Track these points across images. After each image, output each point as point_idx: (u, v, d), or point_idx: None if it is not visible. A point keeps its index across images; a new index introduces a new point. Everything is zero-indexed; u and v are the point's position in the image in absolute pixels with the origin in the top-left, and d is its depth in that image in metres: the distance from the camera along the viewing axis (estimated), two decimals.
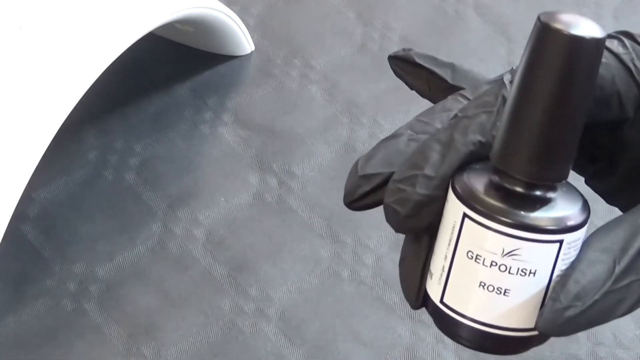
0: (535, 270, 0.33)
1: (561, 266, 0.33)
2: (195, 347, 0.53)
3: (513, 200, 0.33)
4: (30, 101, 0.52)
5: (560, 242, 0.33)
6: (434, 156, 0.34)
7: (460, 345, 0.36)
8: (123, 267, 0.56)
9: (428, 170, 0.34)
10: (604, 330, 0.54)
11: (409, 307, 0.54)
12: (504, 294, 0.33)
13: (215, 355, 0.52)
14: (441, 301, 0.35)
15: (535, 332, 0.33)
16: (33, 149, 0.51)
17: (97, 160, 0.61)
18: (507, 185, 0.33)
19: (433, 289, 0.35)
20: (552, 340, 0.54)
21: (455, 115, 0.35)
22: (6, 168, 0.51)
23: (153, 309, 0.54)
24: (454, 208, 0.34)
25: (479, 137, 0.34)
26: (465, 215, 0.33)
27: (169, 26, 0.61)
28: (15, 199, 0.50)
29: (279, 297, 0.55)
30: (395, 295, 0.55)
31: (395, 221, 0.35)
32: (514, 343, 0.34)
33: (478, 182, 0.33)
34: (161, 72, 0.66)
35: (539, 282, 0.33)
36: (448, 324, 0.35)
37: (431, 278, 0.36)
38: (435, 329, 0.53)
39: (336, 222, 0.58)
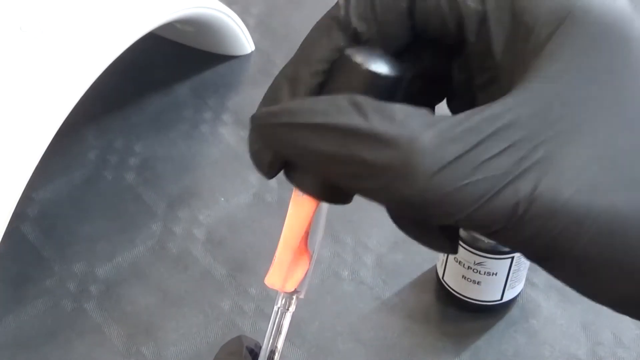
0: (497, 273, 0.51)
1: (515, 267, 0.51)
2: (195, 347, 0.53)
3: None
4: (30, 101, 0.52)
5: (512, 257, 0.50)
6: (284, 95, 0.33)
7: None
8: (123, 267, 0.56)
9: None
10: (604, 330, 0.54)
11: (408, 307, 0.54)
12: (477, 284, 0.52)
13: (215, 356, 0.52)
14: (442, 278, 0.54)
15: (493, 302, 0.53)
16: (33, 149, 0.51)
17: (97, 160, 0.61)
18: None
19: (438, 269, 0.54)
20: (552, 340, 0.54)
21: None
22: (6, 168, 0.51)
23: (153, 308, 0.54)
24: None
25: (324, 64, 0.32)
26: None
27: (169, 26, 0.61)
28: (15, 199, 0.50)
29: None
30: (395, 296, 0.55)
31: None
32: (478, 307, 0.53)
33: None
34: (161, 72, 0.66)
35: (500, 278, 0.52)
36: (447, 293, 0.54)
37: (438, 259, 0.54)
38: (434, 331, 0.53)
39: (336, 222, 0.58)
